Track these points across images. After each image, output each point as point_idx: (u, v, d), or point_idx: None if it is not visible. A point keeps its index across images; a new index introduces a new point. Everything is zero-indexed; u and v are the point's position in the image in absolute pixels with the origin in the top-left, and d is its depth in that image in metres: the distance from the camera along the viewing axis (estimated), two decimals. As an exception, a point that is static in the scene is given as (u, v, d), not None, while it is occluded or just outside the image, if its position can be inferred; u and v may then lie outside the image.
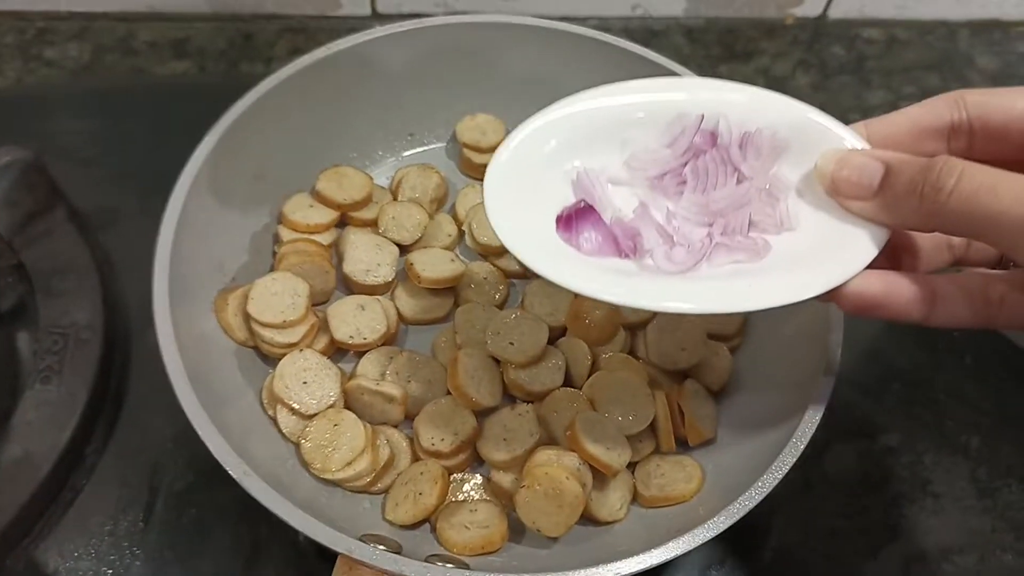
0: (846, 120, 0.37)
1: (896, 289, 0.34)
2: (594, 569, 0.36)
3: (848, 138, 0.35)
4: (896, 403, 0.59)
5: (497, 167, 0.37)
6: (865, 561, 0.52)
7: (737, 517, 0.39)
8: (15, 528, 0.48)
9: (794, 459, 0.40)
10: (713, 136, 0.37)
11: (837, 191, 0.35)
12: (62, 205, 0.60)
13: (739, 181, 0.37)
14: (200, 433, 0.39)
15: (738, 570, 0.51)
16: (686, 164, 0.38)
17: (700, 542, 0.38)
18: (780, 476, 0.40)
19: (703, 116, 0.37)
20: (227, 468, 0.38)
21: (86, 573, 0.48)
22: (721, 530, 0.39)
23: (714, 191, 0.37)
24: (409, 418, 0.47)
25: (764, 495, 0.40)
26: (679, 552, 0.38)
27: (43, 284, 0.57)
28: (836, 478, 0.55)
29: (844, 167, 0.35)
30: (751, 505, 0.39)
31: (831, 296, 0.34)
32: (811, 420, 0.41)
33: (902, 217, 0.34)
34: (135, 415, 0.54)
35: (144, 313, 0.57)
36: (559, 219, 0.37)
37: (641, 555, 0.37)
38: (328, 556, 0.49)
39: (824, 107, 0.37)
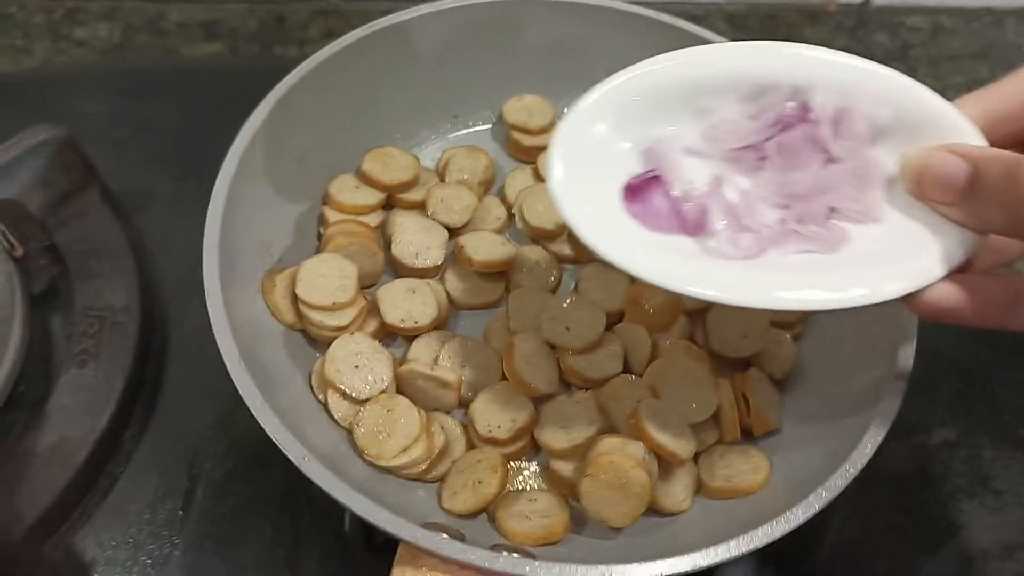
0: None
1: (977, 295, 0.31)
2: (673, 560, 0.35)
3: (961, 125, 0.32)
4: (952, 396, 0.57)
5: (562, 136, 0.34)
6: (925, 557, 0.51)
7: (816, 510, 0.37)
8: (52, 515, 0.46)
9: (872, 452, 0.39)
10: (805, 109, 0.35)
11: (922, 193, 0.32)
12: (96, 185, 0.58)
13: (827, 163, 0.35)
14: (257, 416, 0.38)
15: (795, 566, 0.49)
16: (770, 138, 0.35)
17: (780, 534, 0.37)
18: (858, 469, 0.38)
19: (796, 87, 0.35)
20: (286, 452, 0.37)
21: (124, 562, 0.46)
22: (799, 523, 0.37)
23: (797, 172, 0.35)
24: (463, 405, 0.46)
25: (842, 488, 0.38)
26: (759, 544, 0.36)
27: (77, 266, 0.55)
28: (892, 473, 0.53)
29: (928, 166, 0.32)
30: (830, 498, 0.38)
31: (905, 301, 0.32)
32: (887, 411, 0.40)
33: (990, 223, 0.31)
34: (173, 401, 0.52)
35: (181, 297, 0.57)
36: (627, 188, 0.35)
37: (722, 545, 0.35)
38: (375, 546, 0.48)
39: None
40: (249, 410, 0.38)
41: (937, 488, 0.53)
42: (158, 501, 0.48)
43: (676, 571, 0.35)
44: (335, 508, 0.49)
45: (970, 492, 0.53)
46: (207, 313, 0.41)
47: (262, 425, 0.37)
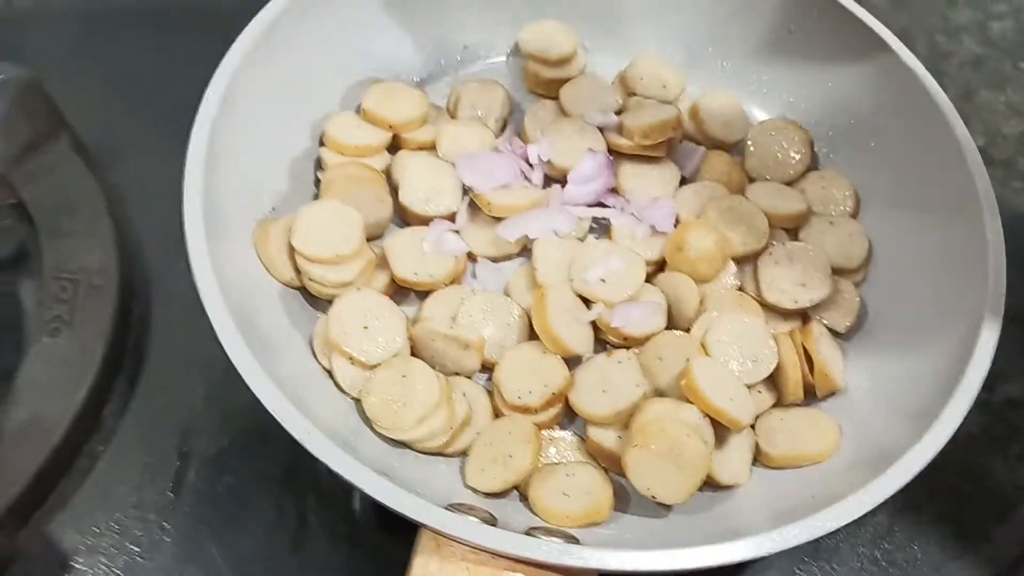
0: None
1: None
2: (742, 543, 0.30)
3: None
4: (1014, 350, 0.52)
5: None
6: (993, 525, 0.46)
7: (900, 484, 0.32)
8: (25, 500, 0.42)
9: (962, 415, 0.34)
10: None
11: None
12: (65, 134, 0.52)
13: None
14: (253, 387, 0.32)
15: (853, 532, 0.45)
16: None
17: (859, 514, 0.32)
18: (952, 429, 0.34)
19: None
20: (288, 428, 0.32)
21: (109, 550, 0.42)
22: (882, 500, 0.33)
23: None
24: (486, 368, 0.40)
25: (929, 459, 0.33)
26: (836, 525, 0.32)
27: (47, 225, 0.50)
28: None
29: None
30: (920, 466, 0.33)
31: None
32: (977, 367, 0.35)
33: None
34: (158, 372, 0.48)
35: (164, 257, 0.51)
36: None
37: (797, 525, 0.30)
38: (391, 527, 0.43)
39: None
40: (244, 380, 0.33)
41: (1003, 450, 0.49)
42: (145, 483, 0.44)
43: (747, 556, 0.31)
44: (344, 486, 0.44)
45: (1039, 454, 0.48)
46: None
47: (260, 398, 0.32)
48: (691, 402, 0.36)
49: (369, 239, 0.43)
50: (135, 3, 0.63)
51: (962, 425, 0.49)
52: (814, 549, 0.44)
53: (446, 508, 0.31)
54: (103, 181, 0.52)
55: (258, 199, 0.43)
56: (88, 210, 0.50)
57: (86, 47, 0.59)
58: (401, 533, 0.40)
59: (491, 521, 0.33)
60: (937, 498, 0.46)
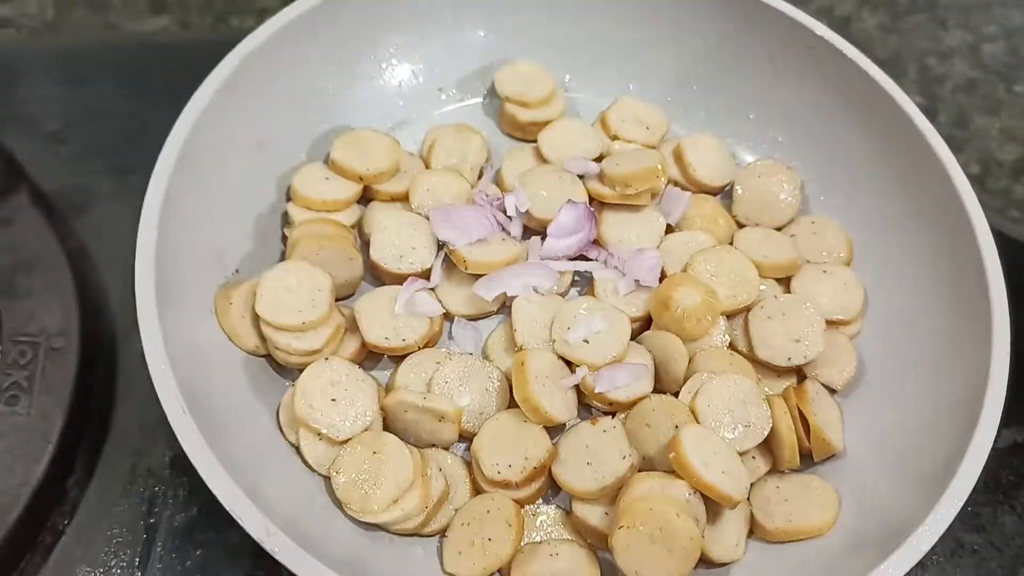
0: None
1: None
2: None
3: None
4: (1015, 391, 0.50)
5: None
6: (1007, 580, 0.44)
7: (915, 560, 0.30)
8: (-19, 585, 0.39)
9: (977, 475, 0.32)
10: None
11: None
12: (24, 187, 0.50)
13: None
14: (205, 477, 0.30)
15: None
16: None
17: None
18: (964, 495, 0.32)
19: None
20: (245, 526, 0.29)
21: (73, 635, 0.39)
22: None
23: None
24: (464, 438, 0.38)
25: (946, 525, 0.32)
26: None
27: (4, 284, 0.48)
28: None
29: None
30: (933, 540, 0.31)
31: None
32: (990, 418, 0.33)
33: None
34: (124, 439, 0.46)
35: (130, 314, 0.49)
36: None
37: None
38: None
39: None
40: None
41: (1011, 498, 0.46)
42: (111, 558, 0.42)
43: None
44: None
45: (1045, 504, 0.46)
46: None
47: (212, 491, 0.30)
48: (680, 476, 0.34)
49: (339, 299, 0.41)
50: (102, 43, 0.62)
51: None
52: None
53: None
54: (65, 235, 0.50)
55: (220, 260, 0.41)
56: (48, 267, 0.48)
57: (46, 95, 0.56)
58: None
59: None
60: (942, 555, 0.44)
